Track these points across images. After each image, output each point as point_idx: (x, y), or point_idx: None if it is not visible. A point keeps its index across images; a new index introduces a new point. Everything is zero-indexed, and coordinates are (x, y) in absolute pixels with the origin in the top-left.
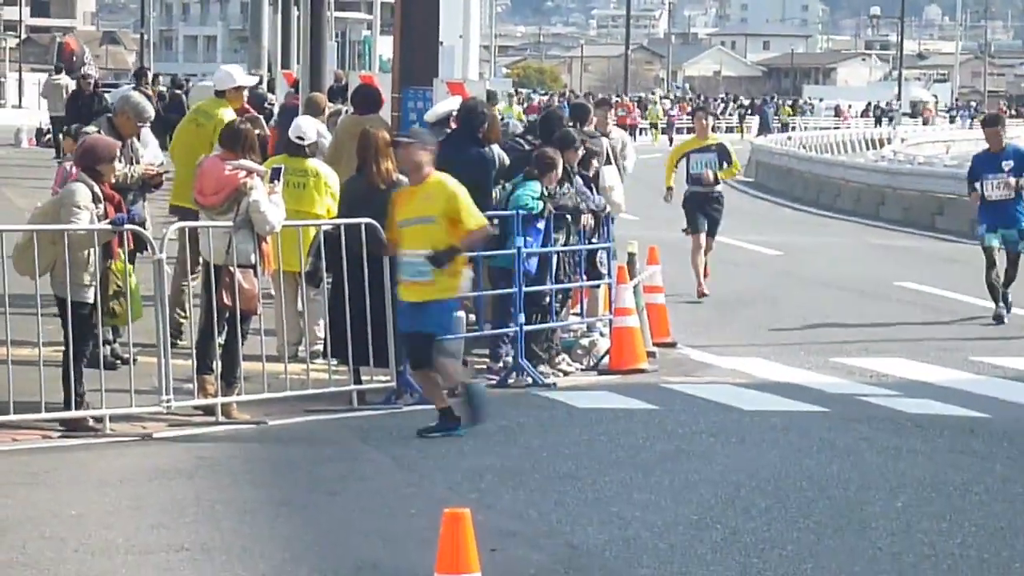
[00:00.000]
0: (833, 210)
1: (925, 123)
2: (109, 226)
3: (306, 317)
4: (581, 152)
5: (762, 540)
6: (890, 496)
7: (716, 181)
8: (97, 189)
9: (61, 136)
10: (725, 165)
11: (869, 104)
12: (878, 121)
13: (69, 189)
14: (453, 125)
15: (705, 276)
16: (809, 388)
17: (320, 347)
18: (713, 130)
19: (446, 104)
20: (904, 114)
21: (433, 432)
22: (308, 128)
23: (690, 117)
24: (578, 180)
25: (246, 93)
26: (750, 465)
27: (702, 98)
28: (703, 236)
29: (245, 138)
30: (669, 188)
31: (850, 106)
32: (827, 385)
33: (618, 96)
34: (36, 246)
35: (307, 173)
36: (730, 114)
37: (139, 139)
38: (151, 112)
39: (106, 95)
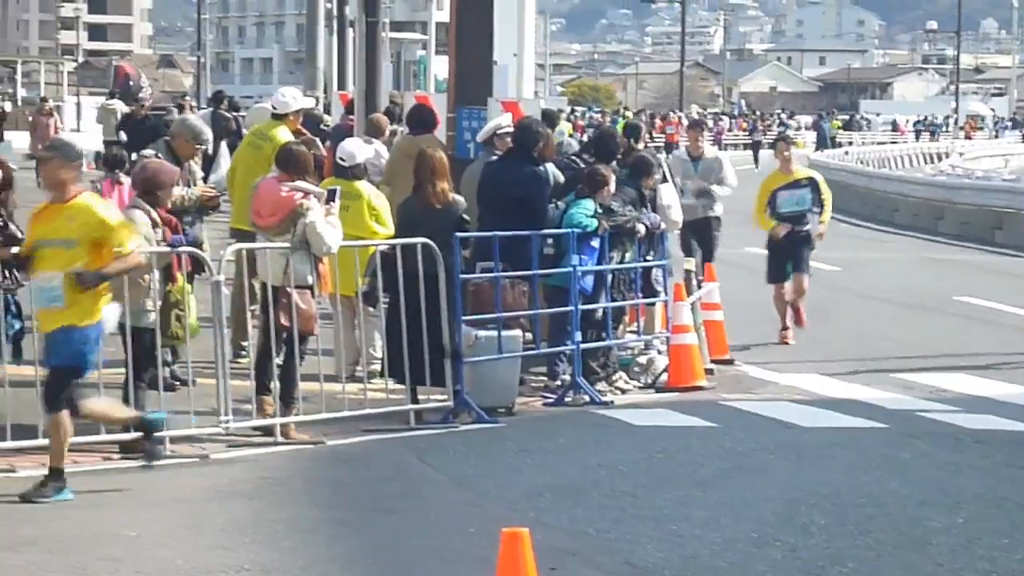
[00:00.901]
0: (891, 225)
1: (967, 138)
2: (167, 248)
3: (363, 337)
4: (658, 177)
5: (821, 557)
6: (950, 512)
7: (805, 211)
8: (155, 214)
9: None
10: (817, 205)
11: (925, 118)
12: (918, 135)
13: (127, 217)
14: (496, 143)
15: (799, 321)
16: (868, 404)
17: (377, 367)
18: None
19: (493, 122)
20: (961, 128)
21: (40, 497)
22: (353, 150)
23: (746, 135)
24: (631, 193)
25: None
26: (809, 482)
27: (761, 117)
28: (787, 286)
29: (301, 159)
30: (768, 227)
31: (908, 120)
32: (886, 401)
33: (672, 112)
34: None
35: (350, 195)
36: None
37: (197, 162)
38: (209, 135)
39: (167, 117)
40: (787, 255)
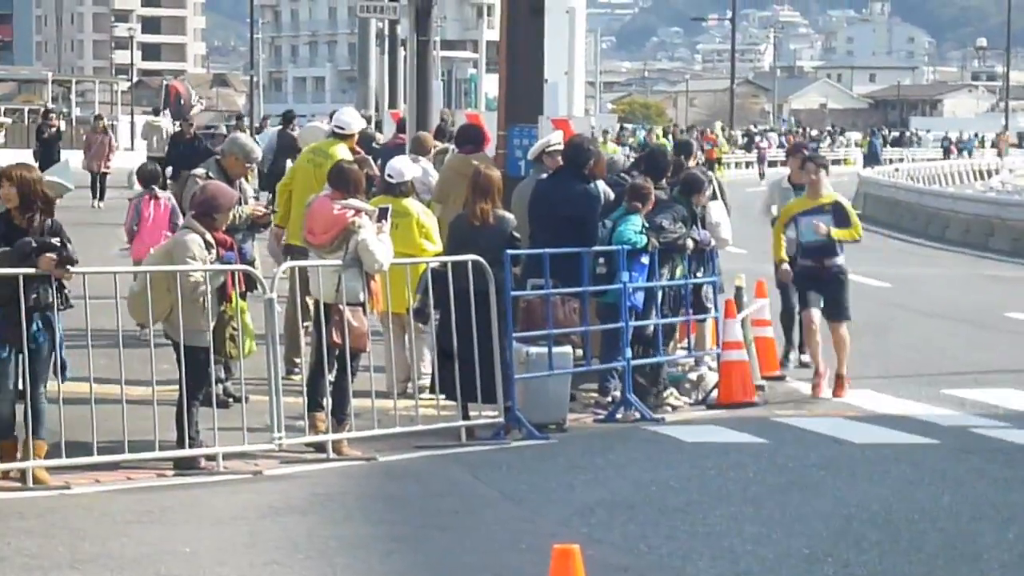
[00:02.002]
0: (942, 241)
1: (999, 155)
2: (220, 266)
3: (413, 353)
4: (708, 194)
5: (874, 573)
6: (1002, 527)
7: (831, 239)
8: (209, 236)
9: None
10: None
11: (946, 135)
12: (946, 153)
13: (181, 241)
14: (546, 161)
15: (840, 384)
16: (919, 420)
17: (426, 382)
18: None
19: (543, 140)
20: (994, 145)
21: None
22: (401, 167)
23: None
24: (682, 211)
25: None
26: (861, 498)
27: (806, 134)
28: (815, 312)
29: (353, 177)
30: (781, 261)
31: (958, 136)
32: (938, 417)
33: (708, 129)
34: (150, 293)
35: (399, 213)
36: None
37: (249, 180)
38: (259, 153)
39: (216, 132)
40: (812, 286)
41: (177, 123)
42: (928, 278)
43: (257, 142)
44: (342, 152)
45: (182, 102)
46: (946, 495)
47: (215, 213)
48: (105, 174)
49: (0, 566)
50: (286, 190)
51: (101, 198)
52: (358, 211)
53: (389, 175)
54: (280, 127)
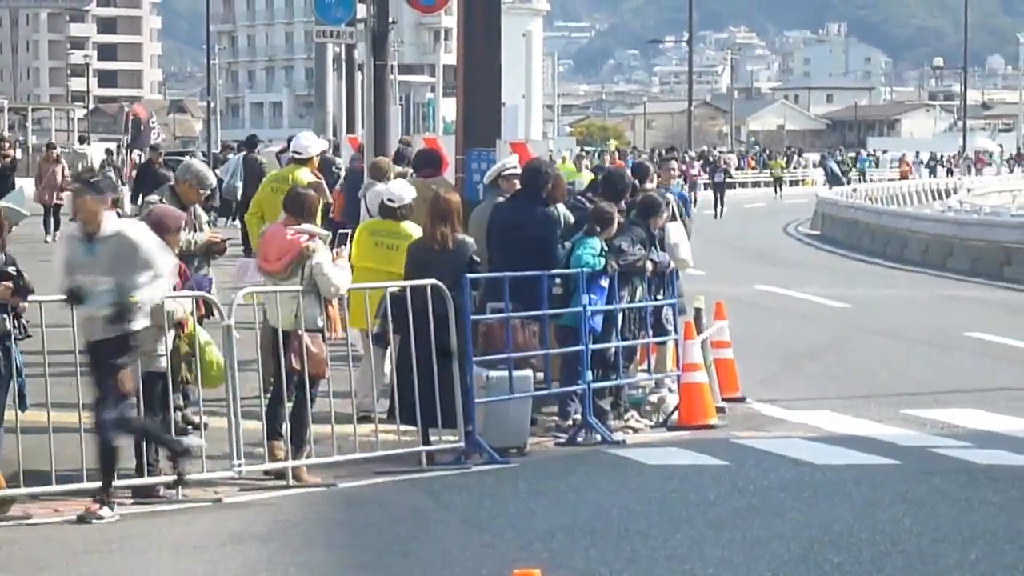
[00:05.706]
0: (901, 261)
1: (903, 177)
2: (192, 293)
3: (372, 376)
4: (666, 216)
5: None
6: (963, 548)
7: None
8: None
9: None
10: None
11: (925, 154)
12: (831, 180)
13: None
14: (503, 184)
15: None
16: (880, 440)
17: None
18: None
19: (499, 163)
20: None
21: None
22: (400, 191)
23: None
24: (640, 233)
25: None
26: (822, 519)
27: (761, 154)
28: None
29: (308, 203)
30: None
31: (917, 153)
32: (898, 437)
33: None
34: None
35: (400, 235)
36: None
37: (203, 207)
38: (213, 180)
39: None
40: None
41: (141, 153)
42: (887, 298)
43: (217, 172)
44: (303, 176)
45: (140, 126)
46: (907, 516)
47: (163, 235)
48: (58, 206)
49: None
50: (254, 219)
51: (56, 228)
52: (312, 235)
53: (390, 199)
54: (244, 153)
